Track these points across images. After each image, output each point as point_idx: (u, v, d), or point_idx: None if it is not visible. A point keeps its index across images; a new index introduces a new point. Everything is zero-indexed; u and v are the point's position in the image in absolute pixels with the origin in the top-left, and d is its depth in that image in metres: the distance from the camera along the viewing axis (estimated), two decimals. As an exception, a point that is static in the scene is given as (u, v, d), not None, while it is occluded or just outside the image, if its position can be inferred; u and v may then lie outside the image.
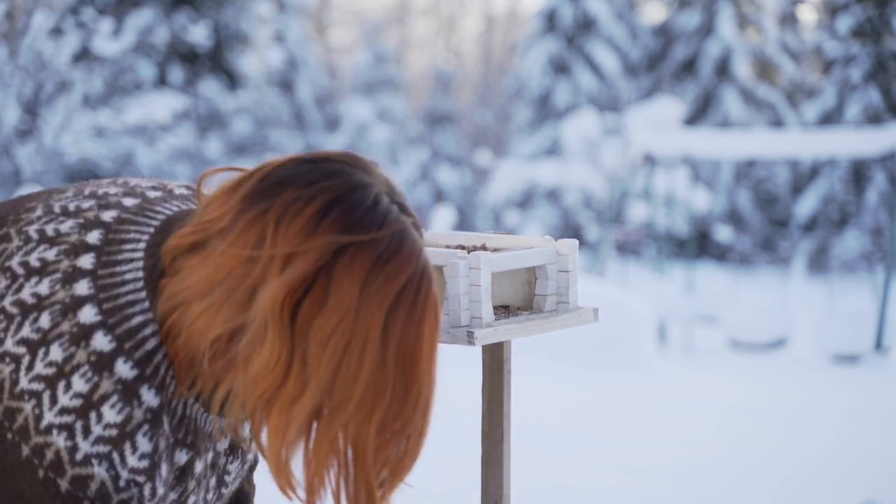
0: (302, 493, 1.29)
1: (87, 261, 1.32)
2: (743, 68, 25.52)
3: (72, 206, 1.38)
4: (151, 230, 1.36)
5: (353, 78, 28.36)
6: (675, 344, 12.97)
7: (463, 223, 26.97)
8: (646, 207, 17.73)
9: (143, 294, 1.31)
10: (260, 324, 1.24)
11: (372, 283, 1.25)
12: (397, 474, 1.31)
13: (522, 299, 1.74)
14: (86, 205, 1.38)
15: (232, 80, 24.78)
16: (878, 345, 12.10)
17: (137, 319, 1.30)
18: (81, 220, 1.36)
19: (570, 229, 24.46)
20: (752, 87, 25.78)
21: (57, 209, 1.38)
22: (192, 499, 1.39)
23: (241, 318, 1.25)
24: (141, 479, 1.28)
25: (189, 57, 23.84)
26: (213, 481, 1.43)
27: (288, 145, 25.14)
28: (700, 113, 25.68)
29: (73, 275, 1.31)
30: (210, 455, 1.40)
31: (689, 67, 26.26)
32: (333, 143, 26.08)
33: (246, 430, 1.43)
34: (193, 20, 20.37)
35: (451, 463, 5.52)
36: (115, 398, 1.27)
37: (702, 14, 26.02)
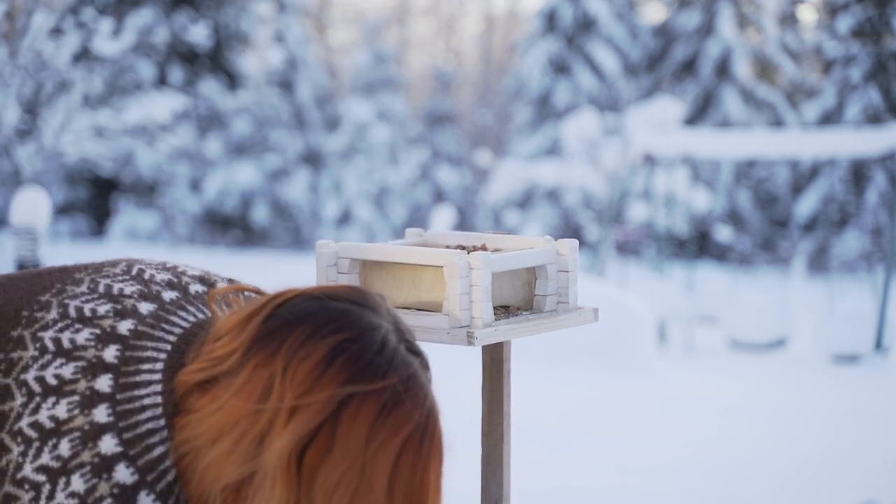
0: None
1: (105, 383, 1.32)
2: (743, 68, 25.52)
3: (87, 310, 1.38)
4: (168, 347, 1.36)
5: (353, 78, 28.35)
6: (675, 344, 12.97)
7: (463, 223, 26.97)
8: (646, 207, 17.72)
9: (162, 422, 1.32)
10: (267, 474, 1.24)
11: (378, 433, 1.24)
12: None
13: (522, 299, 1.73)
14: (102, 310, 1.38)
15: (232, 80, 24.79)
16: (878, 345, 12.10)
17: (158, 451, 1.31)
18: (98, 332, 1.36)
19: (570, 229, 24.46)
20: (752, 87, 25.79)
21: (73, 312, 1.37)
22: None
23: (249, 466, 1.25)
24: None
25: (189, 57, 23.85)
26: None
27: (288, 145, 25.14)
28: (700, 113, 25.68)
29: (92, 399, 1.31)
30: None
31: (689, 67, 26.26)
32: (333, 143, 26.06)
33: None
34: (193, 20, 20.37)
35: (451, 463, 5.51)
36: None
37: (702, 14, 26.02)
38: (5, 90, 11.47)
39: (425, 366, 1.33)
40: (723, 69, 25.74)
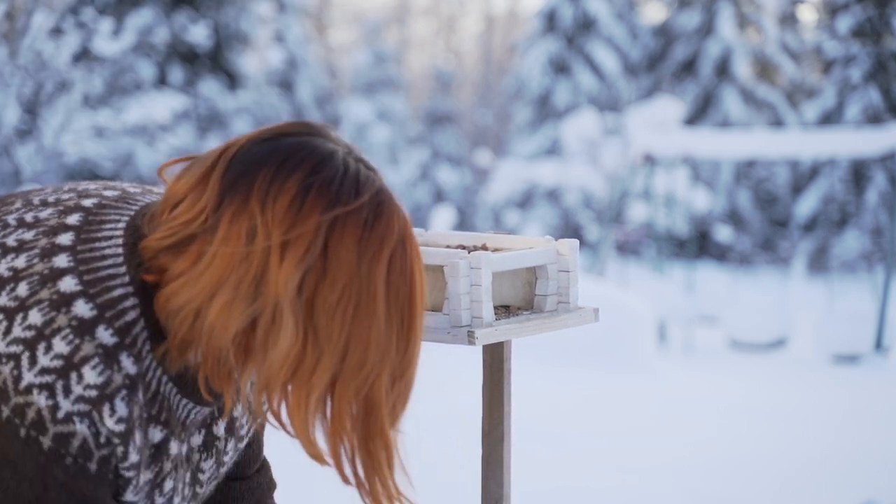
0: (329, 459, 1.37)
1: (66, 238, 1.34)
2: (743, 68, 25.52)
3: (51, 198, 1.41)
4: (132, 212, 1.39)
5: (353, 78, 28.36)
6: (675, 344, 12.97)
7: (463, 223, 26.97)
8: (646, 207, 17.73)
9: (123, 269, 1.33)
10: (272, 311, 1.28)
11: (367, 247, 1.31)
12: (401, 409, 1.38)
13: (523, 299, 1.74)
14: (66, 196, 1.41)
15: (232, 80, 24.78)
16: (878, 345, 12.10)
17: (118, 292, 1.32)
18: (61, 208, 1.39)
19: (570, 229, 24.46)
20: (752, 87, 25.79)
21: (36, 201, 1.40)
22: (168, 484, 1.40)
23: (253, 309, 1.29)
24: (116, 440, 1.30)
25: (189, 57, 23.84)
26: (187, 476, 1.44)
27: (288, 145, 25.11)
28: (700, 113, 25.68)
29: (52, 250, 1.33)
30: (185, 447, 1.42)
31: (689, 67, 26.26)
32: (333, 143, 26.06)
33: (238, 410, 1.47)
34: (193, 20, 20.37)
35: (452, 463, 5.51)
36: (96, 360, 1.28)
37: (702, 14, 26.03)
38: (5, 90, 11.47)
39: (379, 175, 1.39)
40: (723, 69, 25.74)
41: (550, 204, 25.25)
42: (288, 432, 1.36)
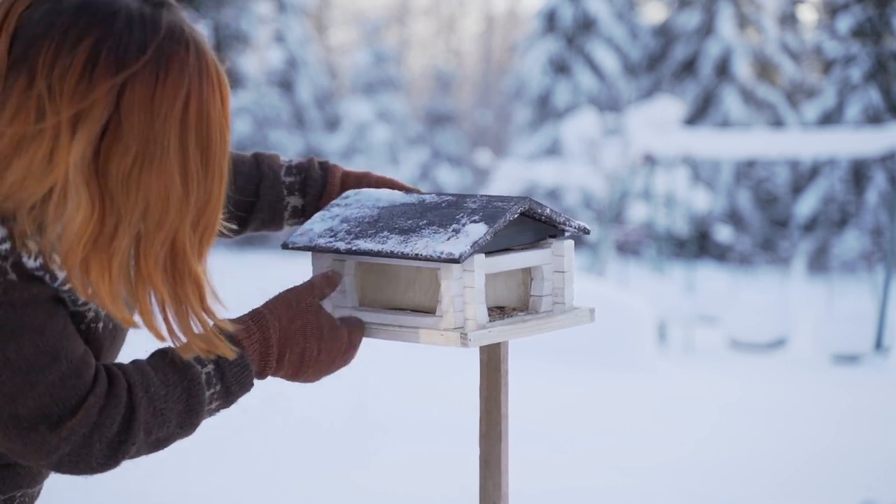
0: (139, 320, 1.38)
1: None
2: (743, 68, 25.51)
3: None
4: None
5: (353, 78, 28.35)
6: (675, 344, 12.97)
7: (463, 223, 26.93)
8: (646, 207, 17.71)
9: None
10: (65, 185, 1.30)
11: (159, 105, 1.32)
12: (207, 244, 1.41)
13: (518, 300, 1.73)
14: None
15: (232, 80, 24.77)
16: (878, 345, 12.10)
17: None
18: None
19: (570, 229, 24.43)
20: (752, 87, 25.78)
21: None
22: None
23: (46, 183, 1.30)
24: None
25: (189, 57, 23.82)
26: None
27: (288, 145, 25.13)
28: (700, 113, 25.67)
29: None
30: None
31: (689, 67, 26.26)
32: (333, 143, 26.06)
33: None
34: (193, 20, 20.35)
35: (450, 464, 5.52)
36: None
37: (702, 14, 26.02)
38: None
39: (170, 4, 1.39)
40: (723, 69, 25.73)
41: (550, 204, 25.25)
42: (101, 304, 1.35)
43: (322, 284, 1.57)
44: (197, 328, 1.41)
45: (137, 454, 1.42)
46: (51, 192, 1.31)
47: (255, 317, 1.49)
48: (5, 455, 1.42)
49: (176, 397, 1.41)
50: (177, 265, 1.37)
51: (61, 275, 1.35)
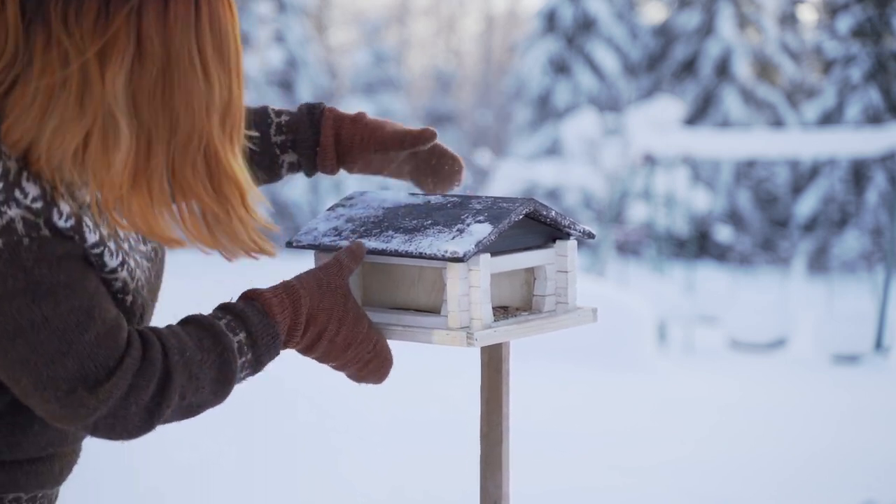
0: (189, 235, 1.43)
1: None
2: (743, 68, 25.52)
3: None
4: None
5: (353, 78, 28.36)
6: (675, 344, 12.97)
7: (463, 223, 26.93)
8: (646, 207, 17.72)
9: None
10: (103, 123, 1.34)
11: (174, 18, 1.36)
12: (237, 137, 1.46)
13: (521, 300, 1.74)
14: None
15: (232, 80, 24.79)
16: (878, 345, 12.10)
17: None
18: None
19: (570, 229, 24.44)
20: (752, 87, 25.78)
21: None
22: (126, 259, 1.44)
23: (84, 125, 1.34)
24: (39, 205, 1.34)
25: (189, 57, 23.85)
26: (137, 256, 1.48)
27: (288, 145, 25.12)
28: (700, 113, 25.68)
29: None
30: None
31: (689, 67, 26.26)
32: (333, 143, 26.06)
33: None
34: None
35: (450, 464, 5.52)
36: None
37: (702, 14, 26.02)
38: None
39: None
40: (723, 69, 25.74)
41: (550, 204, 25.25)
42: (147, 233, 1.39)
43: (349, 261, 1.59)
44: (241, 233, 1.45)
45: (172, 419, 1.43)
46: (88, 135, 1.35)
47: (288, 290, 1.52)
48: (30, 451, 1.43)
49: (210, 363, 1.43)
50: (212, 168, 1.41)
51: (91, 237, 1.37)
